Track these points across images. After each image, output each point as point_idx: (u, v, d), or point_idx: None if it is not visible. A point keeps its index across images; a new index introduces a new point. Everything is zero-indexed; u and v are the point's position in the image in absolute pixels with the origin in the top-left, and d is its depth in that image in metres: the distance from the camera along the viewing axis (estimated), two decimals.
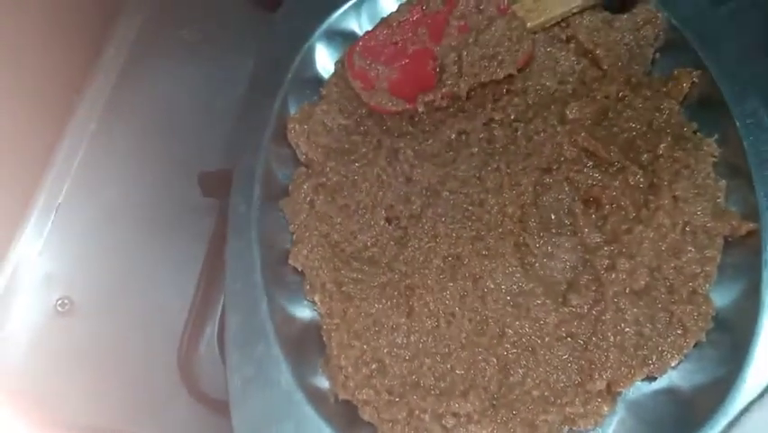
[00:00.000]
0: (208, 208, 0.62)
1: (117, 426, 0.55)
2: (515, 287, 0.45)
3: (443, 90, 0.51)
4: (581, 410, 0.41)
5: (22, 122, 0.64)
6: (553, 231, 0.47)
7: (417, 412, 0.42)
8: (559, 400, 0.42)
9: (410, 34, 0.54)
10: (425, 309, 0.45)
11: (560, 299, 0.44)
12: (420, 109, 0.51)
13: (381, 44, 0.54)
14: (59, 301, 0.61)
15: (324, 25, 0.59)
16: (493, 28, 0.51)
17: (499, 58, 0.51)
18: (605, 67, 0.51)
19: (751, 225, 0.44)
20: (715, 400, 0.40)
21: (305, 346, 0.46)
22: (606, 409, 0.41)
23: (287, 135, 0.54)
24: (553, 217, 0.47)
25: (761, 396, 0.39)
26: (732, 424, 0.39)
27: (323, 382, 0.45)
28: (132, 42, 0.74)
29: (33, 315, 0.61)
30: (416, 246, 0.48)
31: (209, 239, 0.60)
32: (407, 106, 0.52)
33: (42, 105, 0.66)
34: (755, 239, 0.44)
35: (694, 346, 0.43)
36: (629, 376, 0.42)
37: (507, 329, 0.44)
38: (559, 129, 0.49)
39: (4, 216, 0.63)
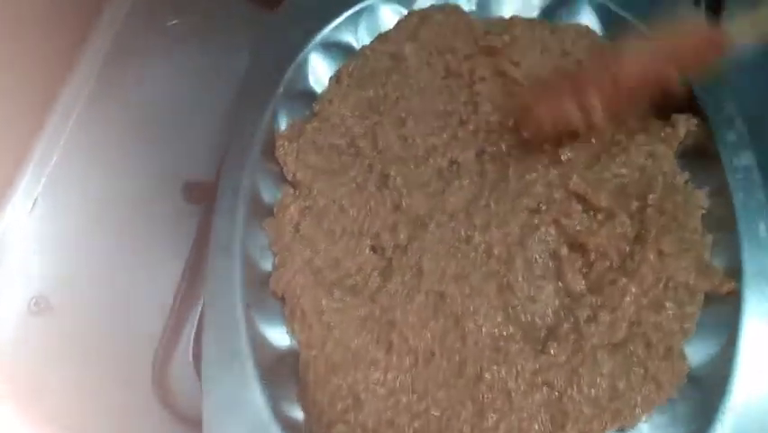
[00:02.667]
0: (190, 212, 0.61)
1: (87, 430, 0.55)
2: (495, 330, 0.45)
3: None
4: None
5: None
6: (538, 274, 0.46)
7: None
8: None
9: None
10: (405, 346, 0.45)
11: (539, 347, 0.44)
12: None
13: None
14: (33, 301, 0.60)
15: (319, 37, 0.58)
16: None
17: None
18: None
19: (732, 285, 0.44)
20: None
21: (281, 375, 0.46)
22: None
23: (275, 152, 0.53)
24: (538, 260, 0.47)
25: None
26: None
27: (298, 413, 0.45)
28: (117, 33, 0.71)
29: (5, 314, 0.59)
30: (400, 280, 0.47)
31: (190, 246, 0.59)
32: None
33: (21, 97, 0.63)
34: (735, 297, 0.44)
35: (666, 400, 0.43)
36: (600, 429, 0.42)
37: (485, 373, 0.43)
38: (551, 170, 0.48)
39: None
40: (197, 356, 0.56)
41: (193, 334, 0.57)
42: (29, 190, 0.64)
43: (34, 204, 0.64)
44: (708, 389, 0.43)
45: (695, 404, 0.43)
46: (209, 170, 0.61)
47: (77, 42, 0.69)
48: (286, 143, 0.53)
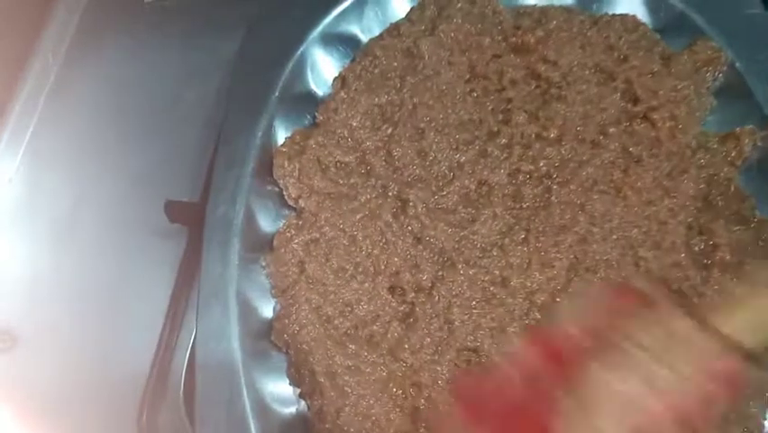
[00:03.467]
0: (175, 233, 0.53)
1: None
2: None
3: None
4: None
5: None
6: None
7: None
8: None
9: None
10: (435, 415, 0.38)
11: None
12: None
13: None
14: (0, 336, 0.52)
15: (320, 27, 0.49)
16: None
17: None
18: (658, 124, 0.43)
19: None
20: None
21: None
22: None
23: (273, 172, 0.45)
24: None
25: None
26: None
27: None
28: (83, 10, 0.61)
29: None
30: (426, 331, 0.40)
31: (176, 271, 0.51)
32: None
33: None
34: None
35: None
36: None
37: None
38: (599, 204, 0.41)
39: None
40: (189, 397, 0.49)
41: (183, 371, 0.49)
42: None
43: None
44: None
45: None
46: (192, 183, 0.53)
47: (37, 25, 0.59)
48: (285, 162, 0.45)
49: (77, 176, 0.57)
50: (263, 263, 0.44)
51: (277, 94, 0.47)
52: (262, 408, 0.40)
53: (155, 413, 0.50)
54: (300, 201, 0.44)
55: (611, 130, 0.44)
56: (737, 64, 0.45)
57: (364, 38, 0.50)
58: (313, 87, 0.48)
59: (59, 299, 0.53)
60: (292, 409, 0.41)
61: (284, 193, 0.45)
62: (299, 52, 0.48)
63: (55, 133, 0.59)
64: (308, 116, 0.48)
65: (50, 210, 0.56)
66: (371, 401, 0.39)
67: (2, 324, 0.53)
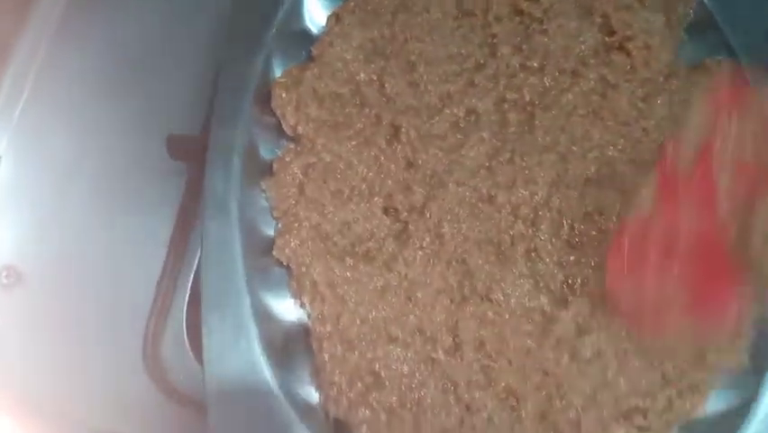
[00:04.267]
0: (176, 170, 0.55)
1: (70, 413, 0.50)
2: (525, 300, 0.41)
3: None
4: None
5: None
6: (565, 238, 0.43)
7: None
8: None
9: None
10: (427, 319, 0.41)
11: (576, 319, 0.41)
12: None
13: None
14: (4, 272, 0.54)
15: None
16: None
17: None
18: (633, 53, 0.46)
19: None
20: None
21: (292, 353, 0.42)
22: None
23: (270, 102, 0.47)
24: (565, 225, 0.43)
25: None
26: None
27: (313, 395, 0.41)
28: None
29: None
30: (418, 246, 0.43)
31: (177, 209, 0.53)
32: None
33: None
34: None
35: None
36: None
37: (517, 347, 0.40)
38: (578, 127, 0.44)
39: None
40: (192, 329, 0.52)
41: (185, 304, 0.52)
42: None
43: None
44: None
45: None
46: (194, 120, 0.55)
47: None
48: (283, 93, 0.47)
49: (79, 121, 0.58)
50: (264, 187, 0.46)
51: (274, 31, 0.49)
52: (265, 316, 0.42)
53: (158, 345, 0.52)
54: (298, 128, 0.46)
55: (590, 60, 0.46)
56: (706, 1, 0.48)
57: None
58: (308, 25, 0.50)
59: (63, 239, 0.55)
60: (293, 318, 0.43)
61: (282, 123, 0.47)
62: None
63: (55, 83, 0.60)
64: (304, 53, 0.50)
65: (52, 154, 0.57)
66: (369, 307, 0.42)
67: (7, 261, 0.55)
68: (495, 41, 0.48)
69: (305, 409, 0.40)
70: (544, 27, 0.47)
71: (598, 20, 0.47)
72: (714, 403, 0.40)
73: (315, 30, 0.51)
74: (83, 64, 0.60)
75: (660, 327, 0.35)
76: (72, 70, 0.59)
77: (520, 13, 0.49)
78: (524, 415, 0.39)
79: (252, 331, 0.41)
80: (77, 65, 0.60)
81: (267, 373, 0.40)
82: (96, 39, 0.60)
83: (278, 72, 0.49)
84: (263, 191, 0.46)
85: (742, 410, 0.39)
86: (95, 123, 0.58)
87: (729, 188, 0.31)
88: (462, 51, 0.48)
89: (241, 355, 0.41)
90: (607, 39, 0.47)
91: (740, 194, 0.31)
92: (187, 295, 0.52)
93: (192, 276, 0.52)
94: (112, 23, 0.61)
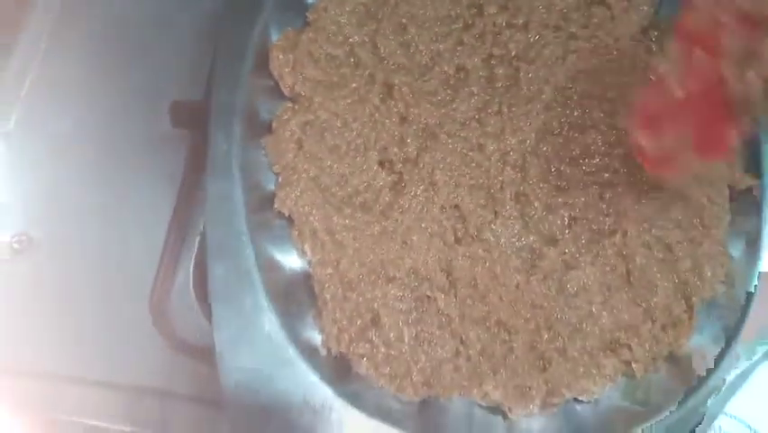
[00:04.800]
0: (178, 138, 0.57)
1: (84, 373, 0.52)
2: (514, 239, 0.43)
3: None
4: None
5: None
6: (552, 183, 0.45)
7: (418, 367, 0.41)
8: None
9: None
10: (423, 261, 0.43)
11: (561, 255, 0.43)
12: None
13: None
14: (15, 238, 0.56)
15: None
16: None
17: None
18: (612, 5, 0.48)
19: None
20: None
21: (294, 297, 0.44)
22: None
23: (269, 65, 0.50)
24: (552, 169, 0.45)
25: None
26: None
27: (314, 335, 0.44)
28: None
29: None
30: (413, 194, 0.45)
31: (182, 174, 0.55)
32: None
33: None
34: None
35: None
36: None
37: (500, 288, 0.42)
38: (560, 77, 0.46)
39: None
40: (199, 284, 0.54)
41: (192, 261, 0.54)
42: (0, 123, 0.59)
43: (7, 138, 0.59)
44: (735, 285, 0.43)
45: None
46: (195, 89, 0.57)
47: None
48: (280, 55, 0.49)
49: (83, 96, 0.60)
50: (263, 144, 0.48)
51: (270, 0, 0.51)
52: (269, 265, 0.44)
53: (166, 302, 0.54)
54: (295, 88, 0.49)
55: (572, 15, 0.49)
56: None
57: None
58: None
59: (71, 206, 0.58)
60: (296, 267, 0.46)
61: (280, 84, 0.50)
62: None
63: (60, 60, 0.62)
64: (300, 19, 0.52)
65: (58, 129, 0.60)
66: (367, 252, 0.44)
67: (19, 227, 0.57)
68: (481, 1, 0.50)
69: (307, 349, 0.42)
70: None
71: None
72: (696, 334, 0.42)
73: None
74: (85, 41, 0.62)
75: (675, 168, 0.40)
76: (75, 48, 0.62)
77: None
78: (515, 346, 0.42)
79: (257, 279, 0.43)
80: (79, 43, 0.62)
81: (271, 316, 0.43)
82: (98, 16, 0.63)
83: (275, 37, 0.51)
84: (263, 148, 0.48)
85: (724, 339, 0.41)
86: (98, 97, 0.60)
87: (732, 40, 0.34)
88: (451, 13, 0.50)
89: (246, 301, 0.43)
90: None
91: (742, 45, 0.34)
92: (194, 256, 0.54)
93: (198, 238, 0.54)
94: (114, 3, 0.63)
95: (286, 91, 0.49)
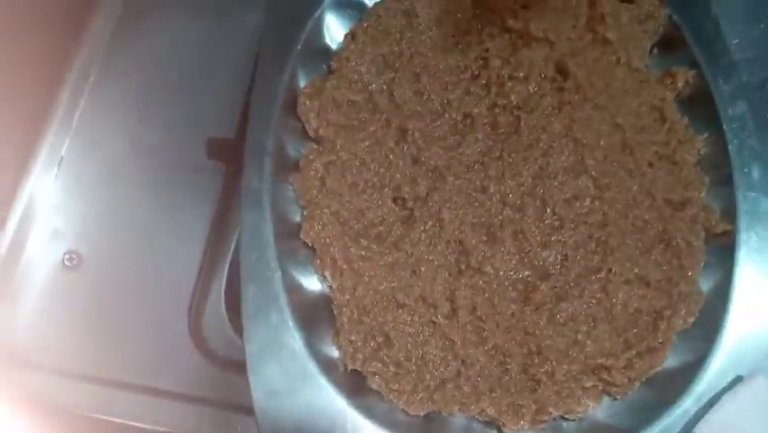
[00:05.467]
0: (212, 168, 0.63)
1: (128, 378, 0.59)
2: (512, 273, 0.49)
3: None
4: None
5: (19, 73, 0.63)
6: (547, 222, 0.50)
7: (423, 385, 0.47)
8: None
9: None
10: (429, 289, 0.49)
11: (553, 289, 0.48)
12: None
13: None
14: (67, 256, 0.62)
15: None
16: None
17: None
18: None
19: (729, 226, 0.48)
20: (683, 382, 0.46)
21: (316, 317, 0.50)
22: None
23: (297, 109, 0.56)
24: (547, 210, 0.50)
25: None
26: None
27: (333, 352, 0.49)
28: None
29: (41, 269, 0.62)
30: (422, 228, 0.51)
31: (216, 202, 0.62)
32: None
33: (39, 55, 0.65)
34: (730, 235, 0.49)
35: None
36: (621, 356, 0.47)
37: (504, 311, 0.48)
38: (556, 125, 0.52)
39: (7, 170, 0.64)
40: (230, 304, 0.60)
41: (224, 283, 0.60)
42: (54, 151, 0.67)
43: (60, 163, 0.66)
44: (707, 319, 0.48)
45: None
46: (227, 124, 0.64)
47: (86, 9, 0.70)
48: (307, 101, 0.55)
49: (128, 126, 0.67)
50: (291, 181, 0.54)
51: (299, 47, 0.57)
52: (294, 288, 0.50)
53: (201, 318, 0.61)
54: (320, 131, 0.55)
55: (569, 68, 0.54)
56: (674, 17, 0.56)
57: (369, 2, 0.60)
58: (328, 42, 0.58)
59: (117, 227, 0.64)
60: (317, 290, 0.51)
61: (306, 127, 0.56)
62: (316, 15, 0.58)
63: (107, 94, 0.69)
64: (324, 66, 0.58)
65: (106, 155, 0.67)
66: (380, 280, 0.50)
67: (70, 246, 0.63)
68: (487, 54, 0.56)
69: (326, 364, 0.48)
70: (528, 42, 0.55)
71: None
72: (671, 360, 0.47)
73: (333, 46, 0.59)
74: (130, 78, 0.69)
75: None
76: (121, 83, 0.69)
77: (509, 30, 0.56)
78: (509, 368, 0.47)
79: (283, 300, 0.49)
80: (125, 78, 0.69)
81: (295, 334, 0.48)
82: (141, 56, 0.70)
83: (302, 83, 0.57)
84: (291, 184, 0.54)
85: (695, 366, 0.46)
86: (142, 128, 0.67)
87: None
88: (460, 64, 0.56)
89: (273, 319, 0.48)
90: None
91: None
92: (225, 277, 0.60)
93: (229, 259, 0.61)
94: (154, 42, 0.70)
95: (311, 133, 0.55)
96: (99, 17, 0.71)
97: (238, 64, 0.67)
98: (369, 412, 0.46)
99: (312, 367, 0.47)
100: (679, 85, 0.54)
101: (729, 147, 0.51)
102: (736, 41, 0.56)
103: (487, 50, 0.56)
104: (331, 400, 0.47)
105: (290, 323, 0.49)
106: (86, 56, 0.69)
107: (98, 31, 0.71)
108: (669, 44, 0.56)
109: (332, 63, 0.57)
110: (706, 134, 0.52)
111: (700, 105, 0.53)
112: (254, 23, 0.68)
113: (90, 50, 0.70)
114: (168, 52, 0.69)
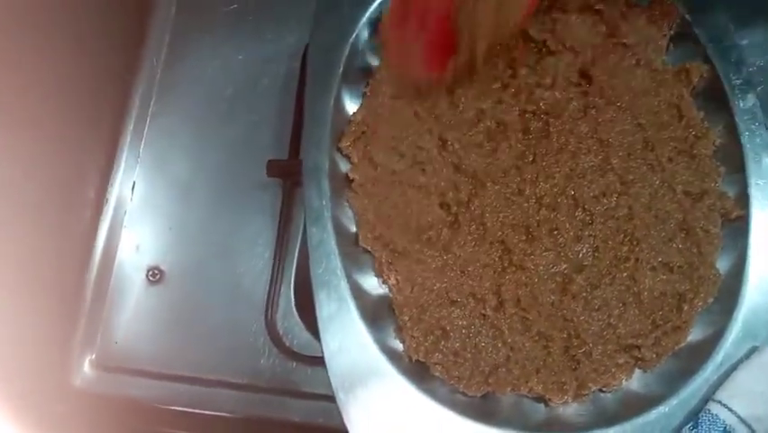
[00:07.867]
0: (273, 184, 0.70)
1: (214, 376, 0.67)
2: (550, 267, 0.55)
3: (462, 59, 0.52)
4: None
5: (86, 105, 0.70)
6: (579, 218, 0.56)
7: (479, 370, 0.54)
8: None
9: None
10: (478, 287, 0.56)
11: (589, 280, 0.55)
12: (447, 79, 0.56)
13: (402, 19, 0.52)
14: (150, 271, 0.71)
15: (367, 14, 0.64)
16: None
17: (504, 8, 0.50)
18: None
19: (742, 212, 0.54)
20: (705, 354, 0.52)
21: (379, 316, 0.57)
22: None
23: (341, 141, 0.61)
24: (578, 207, 0.56)
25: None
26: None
27: (398, 345, 0.57)
28: (174, 23, 0.78)
29: (129, 285, 0.71)
30: (467, 231, 0.57)
31: (278, 214, 0.69)
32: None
33: (100, 89, 0.72)
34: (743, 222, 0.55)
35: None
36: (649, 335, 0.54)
37: (539, 306, 0.55)
38: (583, 128, 0.57)
39: (89, 206, 0.72)
40: (299, 303, 0.68)
41: (292, 285, 0.68)
42: (127, 176, 0.74)
43: (133, 187, 0.74)
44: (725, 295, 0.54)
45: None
46: (280, 141, 0.71)
47: (139, 37, 0.77)
48: (350, 142, 0.61)
49: (191, 149, 0.74)
50: (347, 198, 0.60)
51: (341, 69, 0.62)
52: (359, 291, 0.57)
53: (274, 319, 0.68)
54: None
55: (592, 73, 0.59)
56: (686, 16, 0.60)
57: None
58: (369, 60, 0.64)
59: (190, 242, 0.71)
60: (379, 292, 0.59)
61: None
62: (354, 35, 0.64)
63: (169, 119, 0.76)
64: (366, 85, 0.64)
65: (174, 176, 0.74)
66: (433, 280, 0.56)
67: (153, 262, 0.72)
68: (515, 64, 0.61)
69: (393, 355, 0.55)
70: (553, 49, 0.60)
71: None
72: (693, 334, 0.54)
73: (374, 63, 0.64)
74: (187, 103, 0.76)
75: (406, 69, 0.56)
76: (181, 108, 0.76)
77: (533, 39, 0.61)
78: (552, 351, 0.54)
79: (350, 303, 0.56)
80: (183, 104, 0.76)
81: (364, 331, 0.55)
82: (197, 81, 0.76)
83: (347, 102, 0.62)
84: (347, 201, 0.60)
85: (715, 338, 0.52)
86: (203, 149, 0.74)
87: None
88: (492, 75, 0.61)
89: (344, 320, 0.56)
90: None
91: None
92: (293, 279, 0.68)
93: (295, 264, 0.68)
94: (203, 68, 0.77)
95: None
96: (150, 48, 0.77)
97: (280, 83, 0.73)
98: (433, 394, 0.54)
99: (381, 359, 0.55)
100: (694, 80, 0.58)
101: (741, 138, 0.56)
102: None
103: (514, 60, 0.61)
104: (400, 386, 0.54)
105: (359, 322, 0.56)
106: (144, 87, 0.76)
107: (150, 60, 0.77)
108: (681, 41, 0.60)
109: (371, 81, 0.63)
110: (720, 127, 0.57)
111: (713, 99, 0.58)
112: (291, 43, 0.74)
113: (146, 81, 0.76)
114: (214, 79, 0.76)
